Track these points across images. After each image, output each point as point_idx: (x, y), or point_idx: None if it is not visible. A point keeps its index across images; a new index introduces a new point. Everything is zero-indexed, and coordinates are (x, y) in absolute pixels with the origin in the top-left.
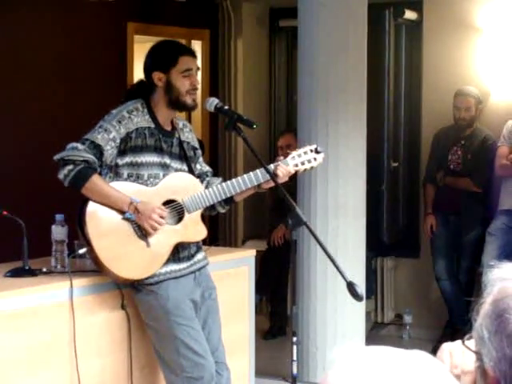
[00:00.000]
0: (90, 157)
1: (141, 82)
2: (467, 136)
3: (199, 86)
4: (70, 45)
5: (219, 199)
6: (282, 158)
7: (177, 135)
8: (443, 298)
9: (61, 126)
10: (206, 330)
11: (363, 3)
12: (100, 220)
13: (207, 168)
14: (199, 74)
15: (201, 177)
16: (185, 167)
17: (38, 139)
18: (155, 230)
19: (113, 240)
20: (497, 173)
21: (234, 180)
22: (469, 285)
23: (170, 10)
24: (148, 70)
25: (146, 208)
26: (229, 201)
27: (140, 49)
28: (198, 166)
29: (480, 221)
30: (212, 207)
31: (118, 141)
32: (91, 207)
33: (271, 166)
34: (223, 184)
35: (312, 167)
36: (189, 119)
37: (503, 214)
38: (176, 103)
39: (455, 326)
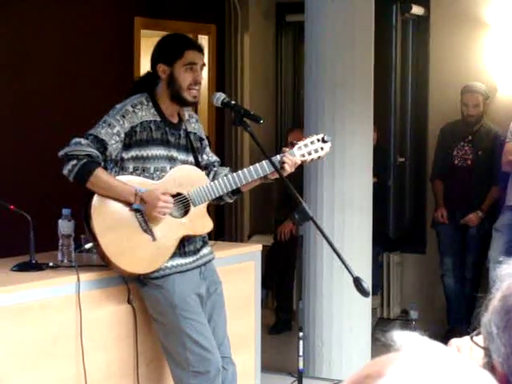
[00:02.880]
0: (93, 151)
1: (148, 73)
2: (475, 132)
3: (203, 82)
4: (77, 39)
5: (225, 191)
6: (287, 149)
7: (183, 127)
8: (445, 295)
9: (68, 120)
10: (212, 324)
11: None
12: (105, 214)
13: (214, 158)
14: (205, 69)
15: (208, 167)
16: (191, 159)
17: (44, 133)
18: (164, 214)
19: (118, 234)
20: (504, 169)
21: (239, 172)
22: (474, 280)
23: (176, 4)
24: (154, 61)
25: (151, 196)
26: (236, 191)
27: (147, 43)
28: (204, 157)
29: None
30: (220, 197)
31: (123, 135)
32: (96, 202)
33: (277, 157)
34: (229, 176)
35: (319, 157)
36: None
37: (509, 210)
38: (177, 97)
39: (451, 324)
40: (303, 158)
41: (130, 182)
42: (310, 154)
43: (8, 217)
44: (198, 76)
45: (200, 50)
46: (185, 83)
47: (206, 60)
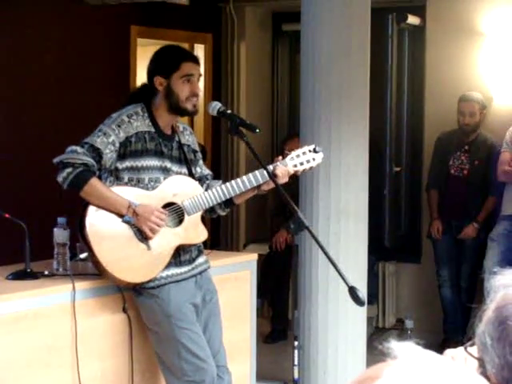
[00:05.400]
0: (89, 160)
1: (145, 85)
2: (471, 141)
3: (201, 93)
4: (74, 48)
5: (219, 201)
6: (280, 158)
7: (177, 138)
8: (441, 305)
9: (64, 128)
10: (207, 333)
11: (366, 8)
12: (100, 224)
13: (207, 171)
14: (201, 78)
15: (201, 180)
16: (185, 170)
17: (40, 142)
18: (154, 232)
19: (113, 244)
20: (499, 178)
21: (233, 182)
22: (470, 290)
23: (173, 13)
24: (150, 74)
25: (144, 210)
26: (229, 203)
27: (143, 52)
28: (198, 169)
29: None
30: (212, 210)
31: (118, 145)
32: (91, 211)
33: (270, 167)
34: (222, 186)
35: (311, 167)
36: (191, 123)
37: (505, 220)
38: (176, 108)
39: (447, 334)
40: (295, 169)
41: (124, 193)
42: (302, 164)
43: (3, 225)
44: (196, 88)
45: (196, 61)
46: (183, 95)
47: (202, 69)
